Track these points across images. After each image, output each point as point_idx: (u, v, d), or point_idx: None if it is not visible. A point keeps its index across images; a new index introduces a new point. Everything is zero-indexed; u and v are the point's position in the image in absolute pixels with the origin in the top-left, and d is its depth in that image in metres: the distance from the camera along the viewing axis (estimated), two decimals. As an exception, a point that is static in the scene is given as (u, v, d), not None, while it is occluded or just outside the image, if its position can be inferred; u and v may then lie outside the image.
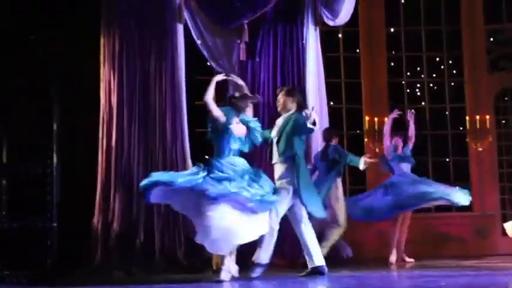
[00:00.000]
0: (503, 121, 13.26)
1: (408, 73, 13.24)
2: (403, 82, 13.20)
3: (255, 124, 7.91)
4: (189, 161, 9.67)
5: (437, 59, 13.34)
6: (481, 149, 12.73)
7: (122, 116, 9.71)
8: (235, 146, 7.63)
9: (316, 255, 7.95)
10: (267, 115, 10.70)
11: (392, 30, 13.12)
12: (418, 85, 13.30)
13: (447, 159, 13.05)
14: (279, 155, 8.05)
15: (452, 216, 12.51)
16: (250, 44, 10.96)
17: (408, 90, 13.18)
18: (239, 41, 10.84)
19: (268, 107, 10.76)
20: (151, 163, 9.65)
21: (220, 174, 7.31)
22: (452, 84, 13.23)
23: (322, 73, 11.14)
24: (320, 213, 8.11)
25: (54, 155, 8.04)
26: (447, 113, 13.19)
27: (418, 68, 13.33)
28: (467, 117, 12.82)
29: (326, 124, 10.85)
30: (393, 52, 13.16)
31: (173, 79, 9.90)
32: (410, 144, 10.73)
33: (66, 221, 8.75)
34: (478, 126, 12.68)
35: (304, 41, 10.99)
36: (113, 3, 9.94)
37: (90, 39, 9.85)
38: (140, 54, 9.91)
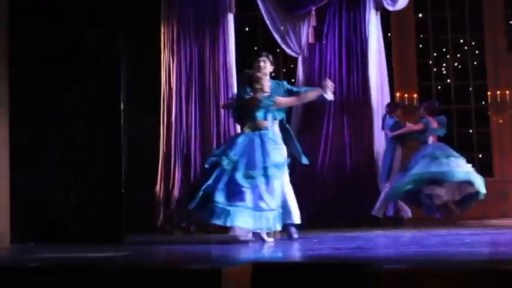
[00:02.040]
0: (522, 96, 13.01)
1: (435, 54, 13.03)
2: (430, 62, 13.00)
3: None
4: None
5: (461, 40, 13.10)
6: (501, 121, 12.54)
7: (180, 95, 9.73)
8: None
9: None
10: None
11: (420, 15, 12.88)
12: (444, 64, 13.10)
13: (470, 131, 12.86)
14: None
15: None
16: (318, 28, 10.91)
17: (435, 69, 12.98)
18: (308, 25, 10.81)
19: (335, 84, 10.71)
20: (207, 136, 9.65)
21: None
22: (475, 63, 13.01)
23: (384, 54, 11.00)
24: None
25: (122, 130, 8.00)
26: (470, 89, 12.99)
27: (444, 49, 13.13)
28: (488, 93, 12.65)
29: (387, 99, 10.81)
30: (421, 35, 12.94)
31: (225, 61, 9.86)
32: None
33: (133, 188, 8.74)
34: (498, 100, 12.49)
35: (366, 25, 10.84)
36: (172, -5, 9.91)
37: (152, 28, 9.85)
38: (196, 40, 9.89)
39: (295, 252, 6.14)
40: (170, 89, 9.77)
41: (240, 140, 7.12)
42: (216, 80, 9.78)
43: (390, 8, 10.90)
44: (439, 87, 12.91)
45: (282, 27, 10.80)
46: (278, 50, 11.58)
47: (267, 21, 10.65)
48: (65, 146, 7.86)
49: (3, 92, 7.66)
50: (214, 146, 9.51)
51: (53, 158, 7.83)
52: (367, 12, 10.87)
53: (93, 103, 7.96)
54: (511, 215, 11.55)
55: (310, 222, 8.45)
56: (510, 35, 12.96)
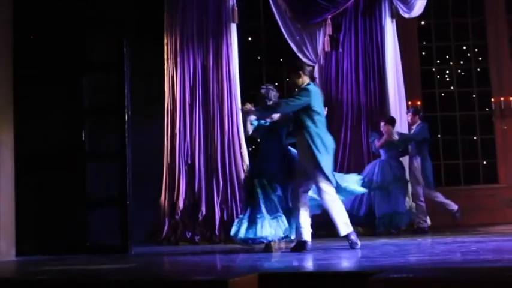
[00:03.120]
0: (526, 102, 12.99)
1: (438, 61, 13.02)
2: (433, 69, 12.99)
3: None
4: (244, 143, 9.65)
5: (464, 47, 13.10)
6: (505, 127, 12.51)
7: (184, 105, 9.76)
8: None
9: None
10: (349, 99, 10.69)
11: (423, 23, 12.89)
12: (447, 71, 13.09)
13: (475, 137, 12.84)
14: None
15: (480, 188, 12.32)
16: (334, 36, 10.95)
17: (438, 76, 12.97)
18: (323, 34, 10.86)
19: (351, 93, 10.74)
20: (211, 146, 9.66)
21: None
22: (478, 70, 13.00)
23: (400, 62, 11.03)
24: None
25: (126, 141, 8.02)
26: (474, 95, 12.97)
27: (447, 56, 13.12)
28: (492, 99, 12.62)
29: (405, 107, 10.81)
30: (424, 42, 12.94)
31: (229, 71, 9.88)
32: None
33: (137, 199, 8.76)
34: (502, 107, 12.48)
35: (382, 33, 10.89)
36: (176, 6, 9.93)
37: (155, 39, 9.90)
38: (199, 50, 9.92)
39: (302, 261, 6.14)
40: (174, 99, 9.79)
41: None
42: (220, 90, 9.80)
43: (406, 16, 10.97)
44: (443, 94, 12.90)
45: (298, 37, 10.87)
46: (281, 60, 11.62)
47: (283, 31, 10.71)
48: (70, 157, 7.90)
49: (6, 101, 7.71)
50: (219, 156, 9.53)
51: (58, 171, 7.86)
52: (383, 20, 10.92)
53: (99, 114, 8.07)
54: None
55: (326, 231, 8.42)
56: (513, 41, 12.97)
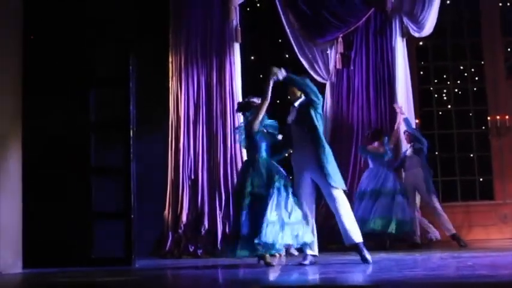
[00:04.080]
0: (521, 120, 13.04)
1: (436, 80, 13.08)
2: (431, 88, 13.05)
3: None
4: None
5: (461, 67, 13.16)
6: (501, 145, 12.56)
7: (188, 122, 9.81)
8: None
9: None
10: (360, 116, 10.82)
11: (421, 43, 12.95)
12: (445, 90, 13.14)
13: (471, 155, 12.88)
14: None
15: (476, 204, 12.34)
16: (345, 54, 11.03)
17: (436, 95, 13.02)
18: (335, 52, 10.95)
19: (362, 110, 10.81)
20: (214, 162, 9.71)
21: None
22: (475, 89, 13.06)
23: (410, 80, 11.11)
24: None
25: (131, 155, 8.08)
26: (471, 114, 13.02)
27: (445, 76, 13.18)
28: (488, 118, 12.67)
29: (414, 125, 10.86)
30: (422, 62, 13.00)
31: (232, 89, 9.94)
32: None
33: (142, 212, 8.80)
34: (498, 125, 12.53)
35: (393, 51, 10.97)
36: (181, 26, 10.02)
37: (160, 57, 9.98)
38: (203, 68, 9.98)
39: (301, 276, 6.18)
40: (178, 116, 9.85)
41: None
42: (223, 107, 9.86)
43: (416, 35, 11.06)
44: (440, 113, 12.96)
45: (310, 55, 10.97)
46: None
47: (295, 48, 10.82)
48: (76, 170, 7.95)
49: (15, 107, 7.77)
50: (221, 172, 9.57)
51: (64, 184, 7.91)
52: (393, 39, 11.00)
53: (105, 128, 8.16)
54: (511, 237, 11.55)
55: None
56: (509, 61, 13.03)
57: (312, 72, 10.96)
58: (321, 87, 11.25)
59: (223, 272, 6.98)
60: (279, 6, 10.85)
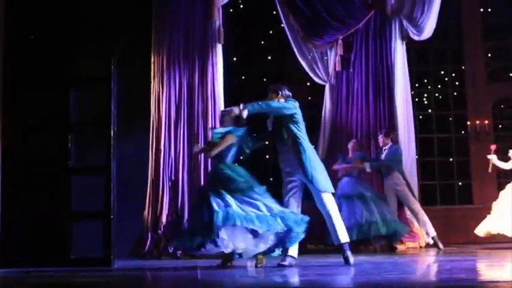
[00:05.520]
0: (500, 125, 13.09)
1: (417, 84, 13.10)
2: (412, 92, 13.07)
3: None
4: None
5: (442, 72, 13.20)
6: (481, 150, 12.60)
7: (169, 122, 9.74)
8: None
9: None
10: (359, 118, 10.72)
11: (403, 47, 12.99)
12: (425, 95, 13.18)
13: (451, 159, 12.92)
14: None
15: (455, 208, 12.38)
16: (345, 56, 11.01)
17: (417, 99, 13.06)
18: (335, 54, 10.93)
19: (361, 113, 10.80)
20: (195, 163, 9.64)
21: None
22: (455, 93, 13.11)
23: (409, 83, 11.11)
24: None
25: (112, 155, 7.99)
26: (451, 118, 13.07)
27: (425, 80, 13.22)
28: (468, 122, 12.72)
29: (413, 128, 10.94)
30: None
31: (213, 90, 9.88)
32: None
33: (121, 213, 8.72)
34: (478, 130, 12.58)
35: (392, 54, 10.97)
36: (163, 26, 9.94)
37: (142, 57, 9.90)
38: (185, 69, 9.91)
39: (279, 278, 6.13)
40: (159, 116, 9.77)
41: None
42: (205, 108, 9.80)
43: (416, 38, 11.10)
44: (421, 117, 12.99)
45: (310, 56, 10.96)
46: (265, 79, 11.69)
47: (295, 50, 10.80)
48: (55, 169, 7.85)
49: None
50: (202, 172, 9.51)
51: (42, 183, 7.81)
52: (393, 42, 11.01)
53: (86, 127, 8.06)
54: (491, 241, 11.56)
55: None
56: (489, 66, 13.09)
57: (311, 74, 10.99)
58: (321, 89, 11.30)
59: (202, 273, 6.92)
60: (279, 8, 10.86)
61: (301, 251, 7.49)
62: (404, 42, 11.12)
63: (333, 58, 11.15)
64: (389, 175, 10.22)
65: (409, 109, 11.02)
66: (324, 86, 11.28)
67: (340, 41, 11.09)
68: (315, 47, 11.10)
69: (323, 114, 11.30)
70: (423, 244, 10.44)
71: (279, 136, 7.17)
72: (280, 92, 7.29)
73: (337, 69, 11.14)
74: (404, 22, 11.04)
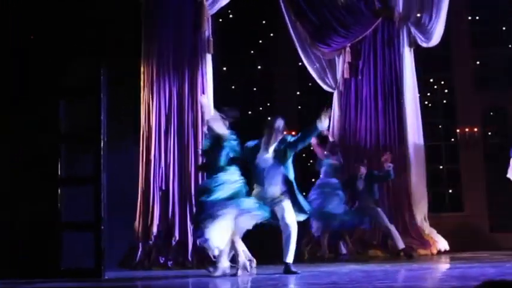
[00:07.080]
0: (489, 133, 13.10)
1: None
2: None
3: None
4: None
5: (431, 80, 13.21)
6: (470, 157, 12.63)
7: (159, 132, 9.68)
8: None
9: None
10: (368, 125, 10.81)
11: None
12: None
13: (441, 167, 12.92)
14: None
15: (446, 216, 12.37)
16: (353, 63, 11.01)
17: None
18: (343, 61, 10.94)
19: (370, 119, 10.79)
20: (185, 173, 9.59)
21: None
22: (444, 101, 13.12)
23: (417, 89, 11.12)
24: None
25: (102, 165, 7.96)
26: (440, 126, 13.08)
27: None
28: (457, 130, 12.74)
29: (422, 135, 10.98)
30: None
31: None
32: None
33: (112, 223, 8.68)
34: (467, 137, 12.59)
35: (400, 61, 10.99)
36: (153, 36, 9.91)
37: (132, 67, 9.87)
38: (175, 79, 9.87)
39: (270, 287, 6.10)
40: (149, 126, 9.72)
41: None
42: (194, 118, 9.74)
43: (424, 45, 11.13)
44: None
45: (317, 64, 10.97)
46: (255, 89, 11.68)
47: (302, 57, 10.79)
48: (45, 181, 7.81)
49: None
50: (192, 183, 9.47)
51: (32, 194, 7.77)
52: (401, 49, 11.03)
53: (75, 138, 8.03)
54: (480, 248, 11.56)
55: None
56: (477, 74, 13.11)
57: (319, 81, 10.99)
58: (329, 96, 11.29)
59: (193, 283, 6.88)
60: (286, 16, 10.87)
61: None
62: (412, 49, 11.15)
63: (341, 65, 11.16)
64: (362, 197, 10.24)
65: (418, 116, 11.05)
66: (332, 93, 11.25)
67: (348, 49, 11.09)
68: (323, 54, 11.13)
69: (331, 121, 11.16)
70: (435, 251, 10.42)
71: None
72: None
73: (345, 76, 11.14)
74: (412, 29, 11.09)
